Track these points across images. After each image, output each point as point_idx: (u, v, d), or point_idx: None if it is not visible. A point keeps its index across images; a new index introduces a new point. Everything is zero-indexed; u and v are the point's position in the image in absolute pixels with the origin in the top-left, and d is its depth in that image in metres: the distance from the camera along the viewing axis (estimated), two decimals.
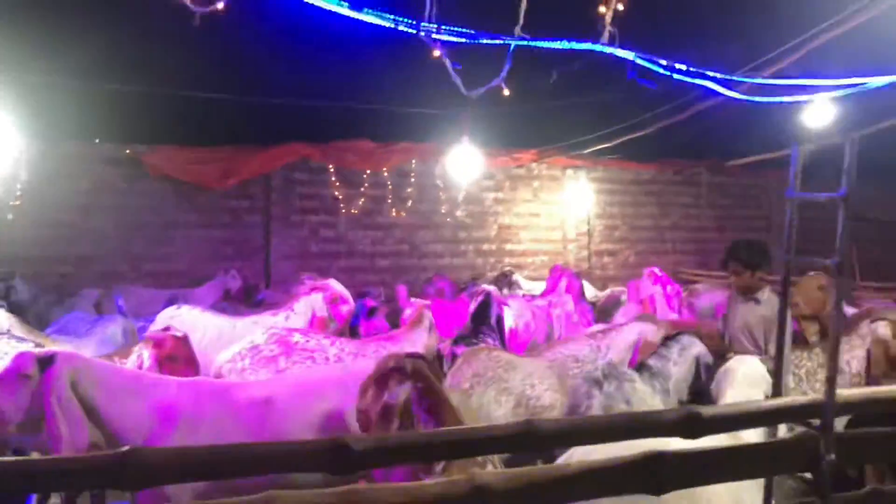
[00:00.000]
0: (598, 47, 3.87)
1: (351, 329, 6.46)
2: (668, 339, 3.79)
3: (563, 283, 7.07)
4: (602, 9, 3.75)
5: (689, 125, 10.64)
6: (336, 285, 5.57)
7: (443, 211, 12.04)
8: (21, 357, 3.08)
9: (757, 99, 5.76)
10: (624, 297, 7.79)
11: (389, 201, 11.72)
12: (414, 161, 11.82)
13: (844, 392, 2.17)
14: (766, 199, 14.89)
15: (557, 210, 12.86)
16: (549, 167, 12.71)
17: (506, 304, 5.88)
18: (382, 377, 2.74)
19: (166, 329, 4.15)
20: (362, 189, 11.56)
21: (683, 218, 14.05)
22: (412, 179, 11.87)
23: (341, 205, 11.43)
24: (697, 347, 3.75)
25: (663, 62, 4.35)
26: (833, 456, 2.01)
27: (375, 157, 11.56)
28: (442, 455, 1.92)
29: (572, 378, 3.79)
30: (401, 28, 3.48)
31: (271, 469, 1.60)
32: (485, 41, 3.59)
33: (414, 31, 3.52)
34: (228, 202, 10.70)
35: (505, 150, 12.01)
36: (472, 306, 5.94)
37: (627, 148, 11.90)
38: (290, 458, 1.64)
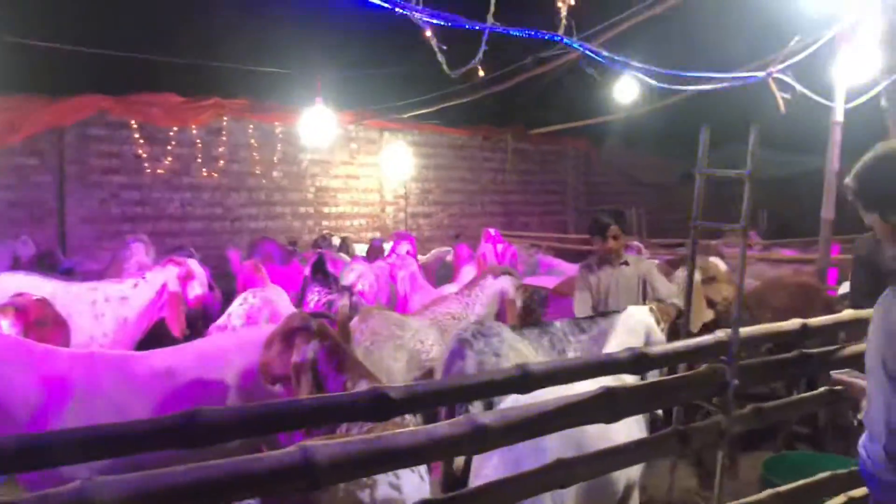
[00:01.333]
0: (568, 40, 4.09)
1: None
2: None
3: (403, 247, 7.28)
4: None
5: (502, 94, 11.22)
6: (194, 265, 5.26)
7: (257, 172, 11.64)
8: None
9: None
10: (449, 258, 8.15)
11: (199, 160, 11.10)
12: (225, 119, 11.27)
13: (745, 329, 2.68)
14: (563, 164, 16.10)
15: (375, 173, 12.95)
16: (367, 130, 12.73)
17: (340, 264, 6.01)
18: (287, 334, 2.76)
19: (19, 294, 3.70)
20: (169, 147, 10.83)
21: (491, 182, 14.78)
22: (223, 138, 11.32)
23: (145, 164, 10.62)
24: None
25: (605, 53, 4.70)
26: (737, 381, 2.56)
27: (183, 113, 10.86)
28: (458, 398, 2.34)
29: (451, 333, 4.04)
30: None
31: (324, 421, 1.81)
32: (465, 26, 3.63)
33: (402, 13, 3.46)
34: (13, 159, 9.50)
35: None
36: (307, 269, 5.99)
37: (441, 114, 12.29)
38: (338, 410, 1.75)
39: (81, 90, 9.92)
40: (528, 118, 15.86)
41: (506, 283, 5.17)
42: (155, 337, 5.57)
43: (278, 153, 11.78)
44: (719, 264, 5.35)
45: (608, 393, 2.23)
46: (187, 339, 5.92)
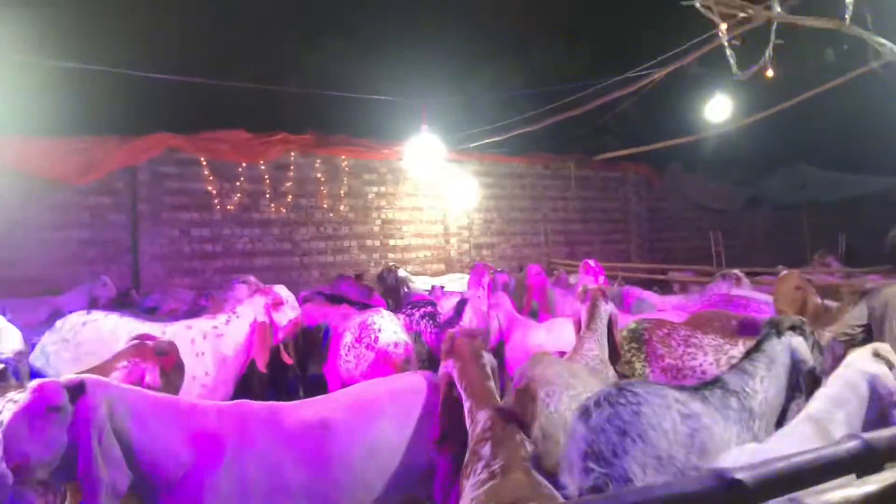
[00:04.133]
0: None
1: None
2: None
3: (485, 280, 7.00)
4: None
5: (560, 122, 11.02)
6: (282, 290, 5.04)
7: (324, 206, 11.53)
8: (45, 387, 2.47)
9: None
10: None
11: (267, 196, 11.02)
12: (293, 154, 11.20)
13: None
14: (624, 191, 15.76)
15: (439, 204, 12.77)
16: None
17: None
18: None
19: (146, 337, 3.48)
20: (238, 183, 10.77)
21: (552, 210, 14.50)
22: (291, 173, 11.24)
23: (215, 200, 10.57)
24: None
25: None
26: None
27: (251, 149, 10.82)
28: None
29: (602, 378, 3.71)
30: None
31: None
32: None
33: None
34: (88, 199, 9.50)
35: (388, 142, 11.73)
36: (448, 312, 5.80)
37: (502, 143, 12.14)
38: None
39: (152, 129, 9.93)
40: (586, 145, 15.63)
41: (612, 307, 4.81)
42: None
43: (344, 186, 11.66)
44: None
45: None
46: (300, 363, 5.72)
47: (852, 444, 1.76)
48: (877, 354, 2.80)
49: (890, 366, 2.75)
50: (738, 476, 1.51)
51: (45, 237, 9.10)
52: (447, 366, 3.01)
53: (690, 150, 14.91)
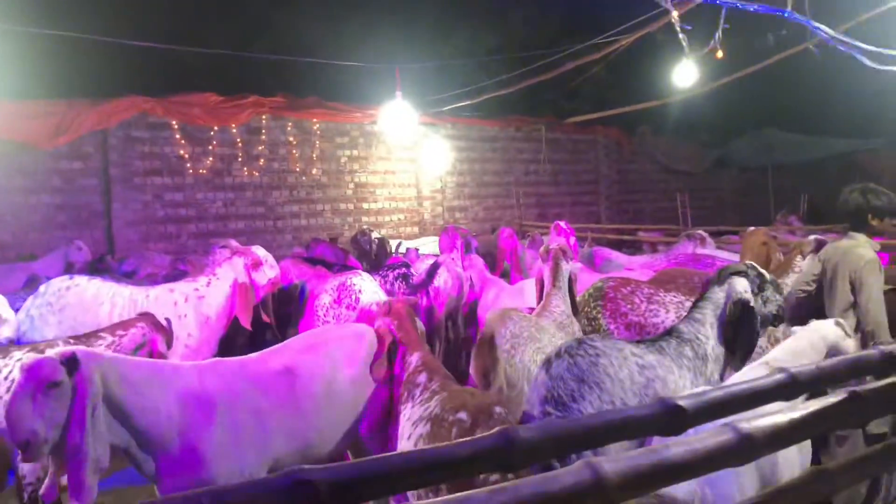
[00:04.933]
0: None
1: None
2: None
3: (458, 243, 7.18)
4: None
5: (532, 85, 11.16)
6: (259, 251, 5.16)
7: (297, 170, 11.57)
8: (41, 363, 2.55)
9: None
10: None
11: (240, 160, 11.03)
12: (264, 117, 11.19)
13: None
14: (595, 154, 15.97)
15: (412, 167, 12.87)
16: None
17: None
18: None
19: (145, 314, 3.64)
20: (210, 147, 10.76)
21: (524, 173, 14.67)
22: (263, 136, 11.24)
23: (187, 164, 10.56)
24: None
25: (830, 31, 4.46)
26: None
27: (223, 112, 10.79)
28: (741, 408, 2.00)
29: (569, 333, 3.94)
30: None
31: (624, 436, 1.68)
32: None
33: None
34: (59, 163, 9.44)
35: (361, 106, 11.77)
36: (421, 276, 5.97)
37: (471, 106, 12.24)
38: (629, 425, 1.67)
39: (123, 93, 9.86)
40: (558, 108, 15.78)
41: (573, 266, 5.01)
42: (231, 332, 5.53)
43: (317, 150, 11.70)
44: None
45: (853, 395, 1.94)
46: (280, 322, 5.89)
47: (780, 376, 1.98)
48: (838, 324, 3.09)
49: (846, 336, 3.02)
50: (680, 402, 1.72)
51: (16, 201, 9.06)
52: (385, 321, 3.50)
53: (659, 114, 15.14)
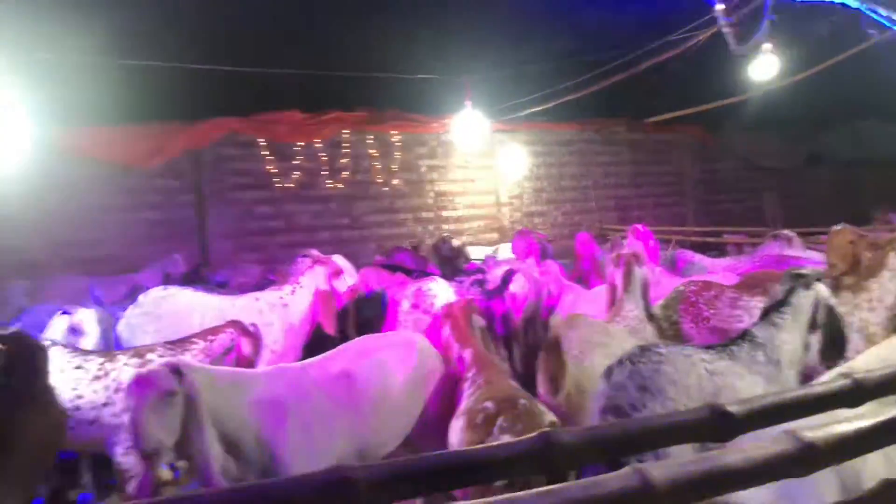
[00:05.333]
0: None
1: None
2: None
3: (534, 248, 7.24)
4: None
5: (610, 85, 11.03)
6: (340, 260, 5.43)
7: (379, 180, 11.89)
8: (157, 374, 2.77)
9: None
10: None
11: (324, 173, 11.44)
12: (346, 131, 11.57)
13: None
14: (677, 154, 15.61)
15: (489, 174, 12.98)
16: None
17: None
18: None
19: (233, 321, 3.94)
20: (295, 162, 11.22)
21: (604, 176, 14.51)
22: (345, 150, 11.62)
23: (276, 179, 11.05)
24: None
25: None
26: None
27: (306, 128, 11.24)
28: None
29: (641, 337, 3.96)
30: None
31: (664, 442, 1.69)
32: None
33: None
34: (157, 182, 10.09)
35: (435, 116, 11.97)
36: (496, 282, 6.10)
37: (547, 111, 12.20)
38: (674, 430, 1.68)
39: (211, 115, 10.42)
40: (636, 109, 15.48)
41: (645, 271, 4.97)
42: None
43: (397, 161, 11.99)
44: None
45: None
46: (362, 328, 6.14)
47: (843, 382, 1.96)
48: None
49: None
50: (729, 408, 1.76)
51: (121, 219, 9.74)
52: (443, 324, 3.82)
53: (743, 110, 14.62)
